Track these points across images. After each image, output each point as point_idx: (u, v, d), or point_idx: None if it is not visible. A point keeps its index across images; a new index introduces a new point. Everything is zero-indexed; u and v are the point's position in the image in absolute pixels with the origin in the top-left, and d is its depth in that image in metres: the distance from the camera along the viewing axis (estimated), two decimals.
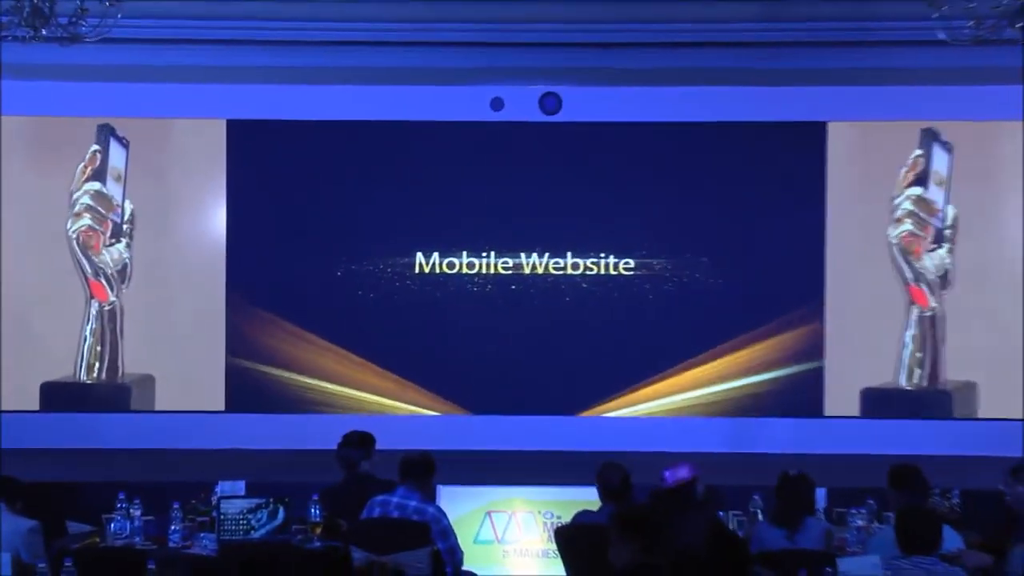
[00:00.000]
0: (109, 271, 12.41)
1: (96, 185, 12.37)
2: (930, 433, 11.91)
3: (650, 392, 12.36)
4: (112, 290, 12.43)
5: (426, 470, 8.29)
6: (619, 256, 12.43)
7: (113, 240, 12.42)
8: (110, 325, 12.45)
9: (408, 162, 12.39)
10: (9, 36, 8.56)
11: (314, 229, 12.42)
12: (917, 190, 12.37)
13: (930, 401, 12.35)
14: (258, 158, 12.42)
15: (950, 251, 12.37)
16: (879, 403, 12.32)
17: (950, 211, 12.37)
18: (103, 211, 12.40)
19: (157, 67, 11.64)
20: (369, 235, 12.43)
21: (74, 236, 12.37)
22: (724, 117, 12.27)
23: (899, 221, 12.38)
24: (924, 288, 12.41)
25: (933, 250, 12.39)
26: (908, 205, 12.39)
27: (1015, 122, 12.17)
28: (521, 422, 12.23)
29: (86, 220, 12.37)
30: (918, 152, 12.34)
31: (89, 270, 12.41)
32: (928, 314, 12.41)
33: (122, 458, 11.50)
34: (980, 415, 12.14)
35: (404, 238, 12.44)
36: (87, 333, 12.42)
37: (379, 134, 12.38)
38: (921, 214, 12.39)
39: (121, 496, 8.18)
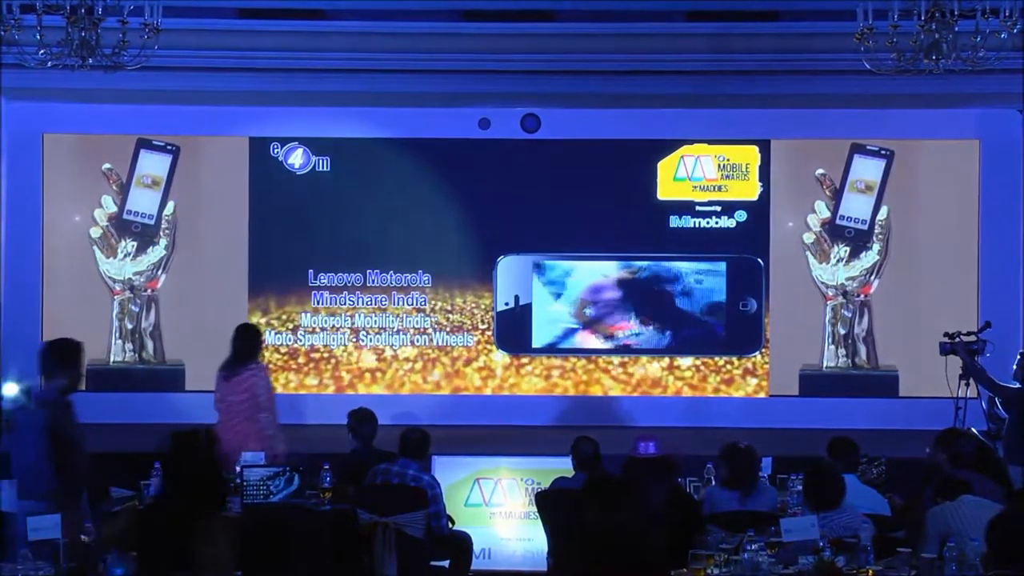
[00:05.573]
0: (113, 273, 12.46)
1: (105, 198, 12.43)
2: (860, 410, 11.98)
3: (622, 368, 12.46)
4: (123, 288, 12.45)
5: (422, 443, 8.32)
6: (591, 252, 12.48)
7: (131, 241, 12.46)
8: (129, 319, 12.46)
9: (406, 173, 12.44)
10: (60, 65, 8.57)
11: (322, 228, 12.46)
12: (819, 203, 12.40)
13: (851, 382, 12.40)
14: (274, 169, 12.46)
15: (880, 251, 12.40)
16: (813, 383, 12.36)
17: (883, 212, 12.36)
18: (105, 222, 12.46)
19: (187, 91, 11.64)
20: (369, 232, 12.46)
21: (89, 244, 12.49)
22: (682, 135, 12.36)
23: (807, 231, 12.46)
24: (822, 287, 12.44)
25: (860, 251, 12.41)
26: (809, 218, 12.44)
27: (933, 140, 12.30)
28: (506, 401, 12.32)
29: (92, 231, 12.47)
30: (820, 171, 12.38)
31: (101, 272, 12.47)
32: (830, 307, 12.44)
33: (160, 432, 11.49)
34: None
35: (401, 234, 12.47)
36: (112, 324, 12.48)
37: (381, 149, 12.43)
38: (813, 226, 12.40)
39: (156, 465, 8.16)
